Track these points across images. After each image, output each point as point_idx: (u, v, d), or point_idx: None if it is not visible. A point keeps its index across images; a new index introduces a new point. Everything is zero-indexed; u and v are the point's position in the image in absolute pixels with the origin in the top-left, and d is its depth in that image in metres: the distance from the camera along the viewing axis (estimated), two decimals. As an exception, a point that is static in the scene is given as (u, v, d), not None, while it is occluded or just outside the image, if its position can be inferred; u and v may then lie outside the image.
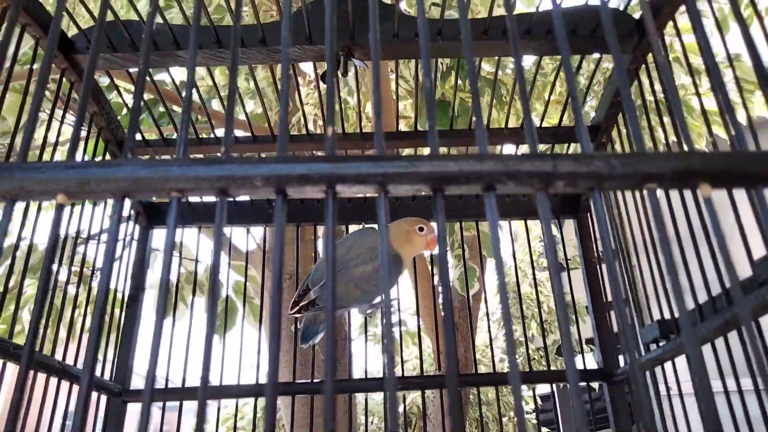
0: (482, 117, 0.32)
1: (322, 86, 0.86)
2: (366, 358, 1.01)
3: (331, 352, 0.27)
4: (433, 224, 0.94)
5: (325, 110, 0.33)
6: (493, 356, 1.04)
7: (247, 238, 1.44)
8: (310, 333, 0.90)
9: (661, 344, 0.70)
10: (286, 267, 1.87)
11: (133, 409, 0.91)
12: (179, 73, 2.39)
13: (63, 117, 0.82)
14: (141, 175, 0.30)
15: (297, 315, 0.87)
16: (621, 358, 0.89)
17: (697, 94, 0.75)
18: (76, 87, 0.76)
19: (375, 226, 0.96)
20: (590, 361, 1.20)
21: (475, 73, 0.34)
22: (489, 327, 1.06)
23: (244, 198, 1.01)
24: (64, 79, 0.76)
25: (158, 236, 0.99)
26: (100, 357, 0.86)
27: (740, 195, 0.52)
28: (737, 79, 0.73)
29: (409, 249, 0.91)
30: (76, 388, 0.83)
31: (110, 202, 0.92)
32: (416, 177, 0.30)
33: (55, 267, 0.86)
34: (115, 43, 0.73)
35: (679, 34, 0.76)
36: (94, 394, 0.83)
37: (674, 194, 0.68)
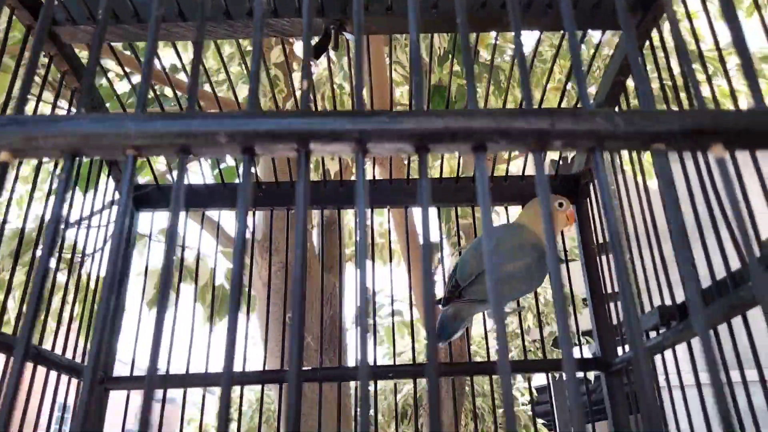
0: (473, 72, 0.30)
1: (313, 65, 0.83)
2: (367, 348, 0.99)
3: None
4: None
5: (302, 63, 0.30)
6: (488, 347, 1.01)
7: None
8: (448, 330, 0.85)
9: (661, 331, 0.68)
10: (280, 255, 1.84)
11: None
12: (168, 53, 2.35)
13: (55, 103, 0.79)
14: (92, 131, 0.27)
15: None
16: (619, 348, 0.86)
17: (709, 80, 0.72)
18: (56, 61, 0.72)
19: (518, 222, 0.89)
20: (587, 354, 1.18)
21: (468, 41, 0.30)
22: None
23: (233, 180, 0.98)
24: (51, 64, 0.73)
25: (144, 221, 0.96)
26: (77, 342, 0.84)
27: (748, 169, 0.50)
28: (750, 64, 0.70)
29: (555, 228, 0.87)
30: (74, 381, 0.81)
31: (101, 189, 0.89)
32: (398, 134, 0.27)
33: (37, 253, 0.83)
34: (96, 14, 0.69)
35: (688, 14, 0.73)
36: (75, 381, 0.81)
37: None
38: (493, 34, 2.33)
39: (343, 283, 2.19)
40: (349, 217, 2.60)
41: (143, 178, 2.05)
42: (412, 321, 0.96)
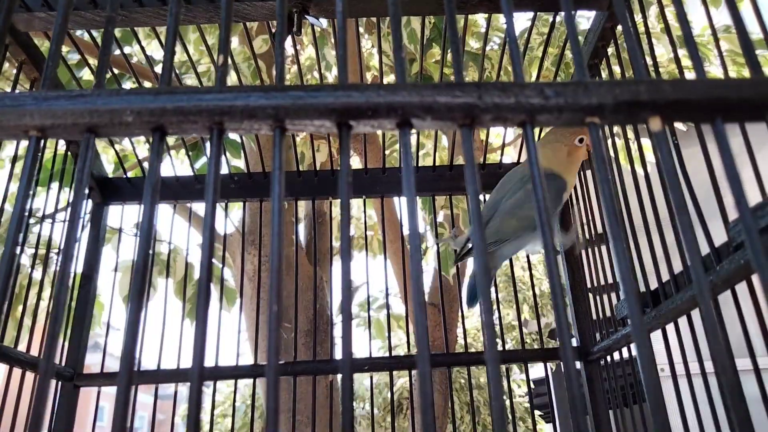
0: (401, 45, 0.28)
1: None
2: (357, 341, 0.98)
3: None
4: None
5: (221, 35, 0.28)
6: (465, 340, 1.00)
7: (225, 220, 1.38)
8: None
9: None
10: (265, 248, 1.82)
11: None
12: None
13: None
14: (-12, 110, 0.25)
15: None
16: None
17: (678, 64, 0.71)
18: (12, 50, 0.70)
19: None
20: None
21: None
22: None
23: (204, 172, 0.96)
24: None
25: (114, 213, 0.94)
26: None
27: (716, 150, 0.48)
28: (720, 54, 0.68)
29: (571, 166, 0.81)
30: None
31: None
32: (316, 110, 0.25)
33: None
34: (50, 1, 0.67)
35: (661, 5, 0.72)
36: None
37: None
38: (482, 23, 2.31)
39: (331, 276, 2.18)
40: (337, 210, 2.58)
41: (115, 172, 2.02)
42: (388, 314, 0.95)
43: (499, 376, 0.23)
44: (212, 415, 0.91)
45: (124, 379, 0.22)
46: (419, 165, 0.98)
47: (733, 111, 0.26)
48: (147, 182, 0.25)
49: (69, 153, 0.87)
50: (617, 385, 0.79)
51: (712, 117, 0.26)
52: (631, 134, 0.80)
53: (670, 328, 0.63)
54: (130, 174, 0.99)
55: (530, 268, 1.02)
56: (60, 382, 0.80)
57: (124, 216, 0.95)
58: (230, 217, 1.95)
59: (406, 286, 0.91)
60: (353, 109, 0.25)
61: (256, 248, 1.82)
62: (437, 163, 0.99)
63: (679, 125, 1.76)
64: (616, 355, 0.77)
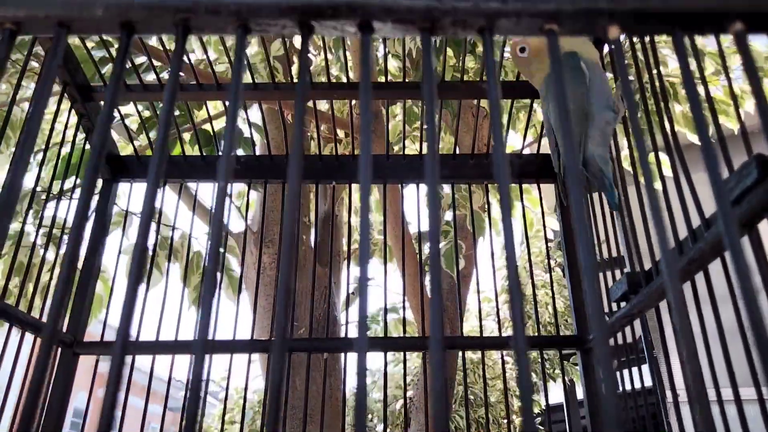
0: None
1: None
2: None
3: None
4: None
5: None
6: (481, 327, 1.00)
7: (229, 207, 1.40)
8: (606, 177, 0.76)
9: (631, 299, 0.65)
10: (274, 247, 1.83)
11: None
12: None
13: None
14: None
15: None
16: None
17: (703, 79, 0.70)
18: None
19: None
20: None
21: None
22: (480, 310, 1.02)
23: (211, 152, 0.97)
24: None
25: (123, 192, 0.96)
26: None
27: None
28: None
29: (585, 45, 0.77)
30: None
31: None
32: (277, 7, 0.26)
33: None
34: None
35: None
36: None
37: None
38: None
39: (340, 279, 2.18)
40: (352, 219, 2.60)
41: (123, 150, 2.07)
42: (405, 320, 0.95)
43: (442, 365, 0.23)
44: (222, 422, 0.94)
45: (120, 346, 0.23)
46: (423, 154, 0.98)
47: (693, 21, 0.26)
48: (110, 81, 0.26)
49: (86, 146, 0.89)
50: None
51: (671, 28, 0.26)
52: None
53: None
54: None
55: (531, 266, 1.02)
56: (60, 348, 0.82)
57: (132, 197, 0.97)
58: (242, 217, 1.97)
59: (422, 283, 0.91)
60: (314, 8, 0.26)
61: (267, 246, 1.84)
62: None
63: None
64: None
